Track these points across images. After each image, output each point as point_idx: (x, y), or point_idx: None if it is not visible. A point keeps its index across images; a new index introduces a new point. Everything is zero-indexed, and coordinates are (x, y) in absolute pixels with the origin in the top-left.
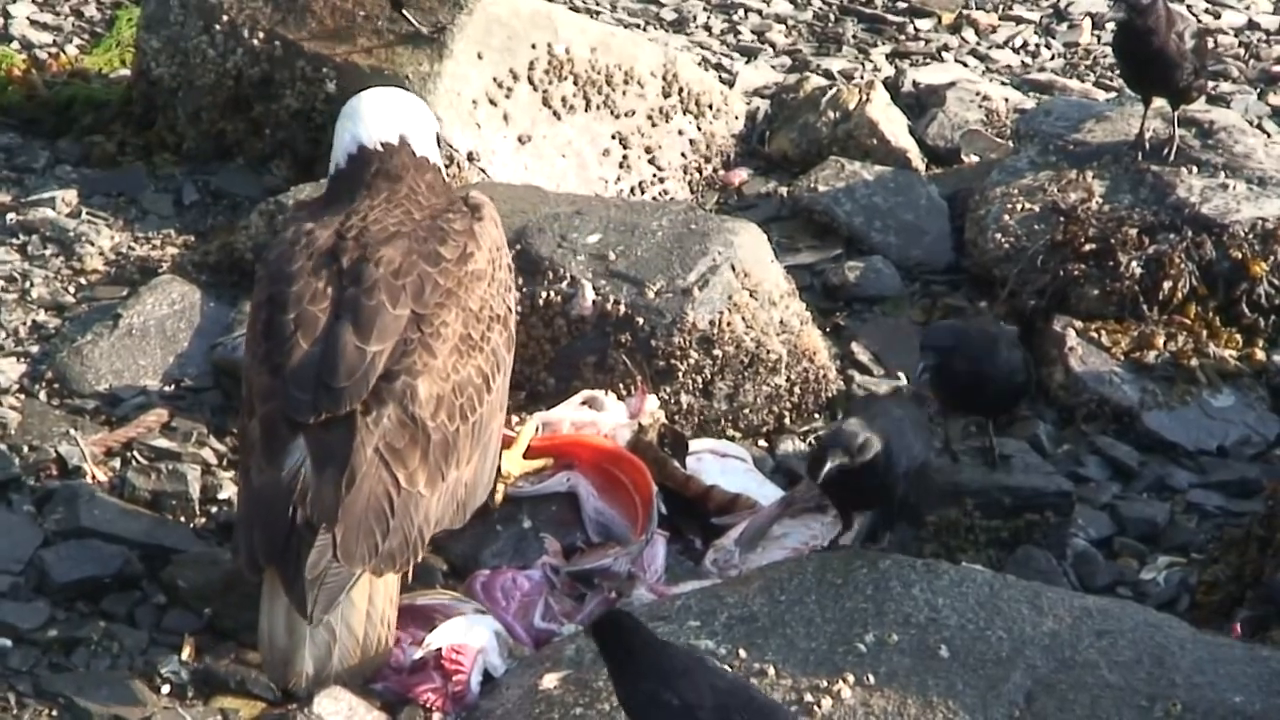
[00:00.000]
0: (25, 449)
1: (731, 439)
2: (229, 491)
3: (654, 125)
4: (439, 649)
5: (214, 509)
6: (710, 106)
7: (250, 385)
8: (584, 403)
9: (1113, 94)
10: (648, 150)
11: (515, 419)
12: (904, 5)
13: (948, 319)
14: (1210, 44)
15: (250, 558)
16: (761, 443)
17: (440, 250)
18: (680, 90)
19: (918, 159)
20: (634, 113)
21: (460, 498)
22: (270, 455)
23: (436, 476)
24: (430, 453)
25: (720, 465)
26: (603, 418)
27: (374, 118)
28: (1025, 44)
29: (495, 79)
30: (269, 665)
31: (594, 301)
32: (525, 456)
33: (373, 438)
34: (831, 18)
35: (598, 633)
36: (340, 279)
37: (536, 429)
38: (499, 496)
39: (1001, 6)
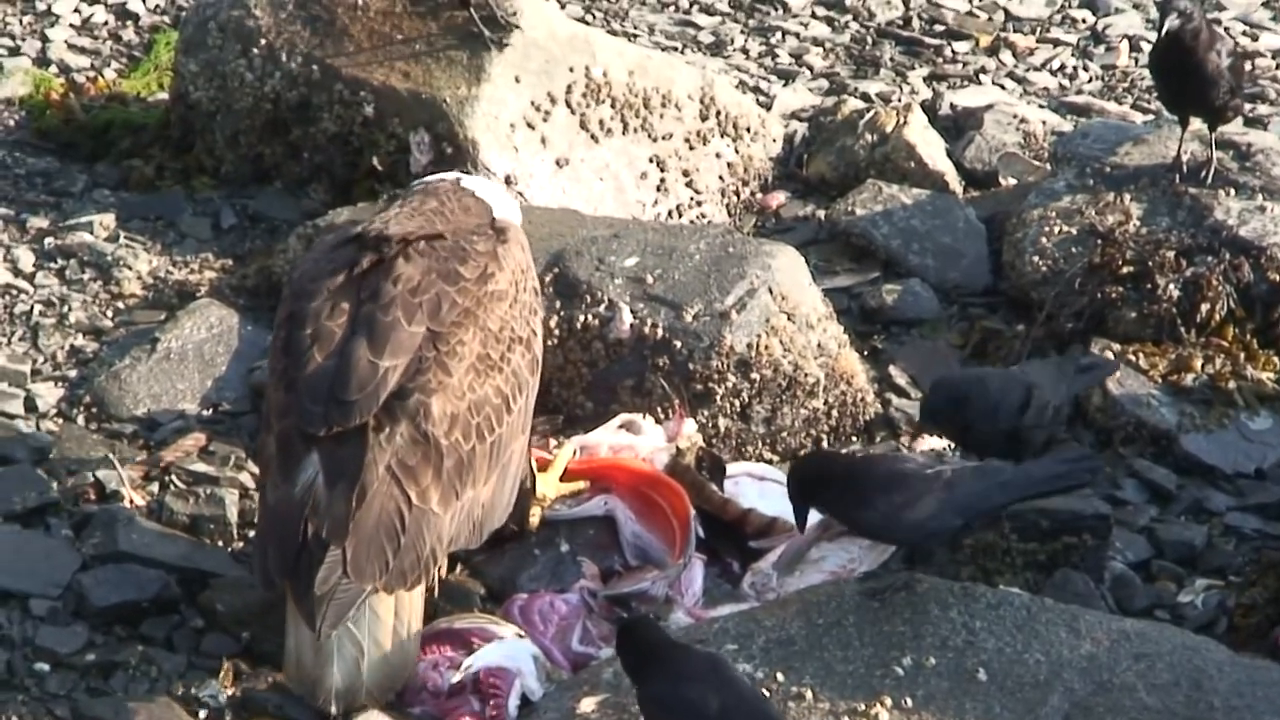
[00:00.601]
0: (63, 473)
1: (769, 462)
2: None
3: (691, 148)
4: (477, 672)
5: (252, 533)
6: (748, 129)
7: (269, 402)
8: (622, 426)
9: (1150, 116)
10: (685, 173)
11: (554, 442)
12: (941, 28)
13: (985, 342)
14: (1248, 66)
15: (264, 573)
16: None
17: (460, 269)
18: (718, 113)
19: (955, 182)
20: (671, 136)
21: (476, 518)
22: (285, 471)
23: (450, 495)
24: (444, 470)
25: (758, 488)
26: (640, 441)
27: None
28: (1063, 66)
29: (533, 102)
30: (296, 683)
31: (632, 325)
32: (562, 479)
33: (385, 455)
34: (869, 41)
35: (620, 639)
36: (359, 293)
37: (575, 452)
38: (535, 520)
39: (1039, 29)
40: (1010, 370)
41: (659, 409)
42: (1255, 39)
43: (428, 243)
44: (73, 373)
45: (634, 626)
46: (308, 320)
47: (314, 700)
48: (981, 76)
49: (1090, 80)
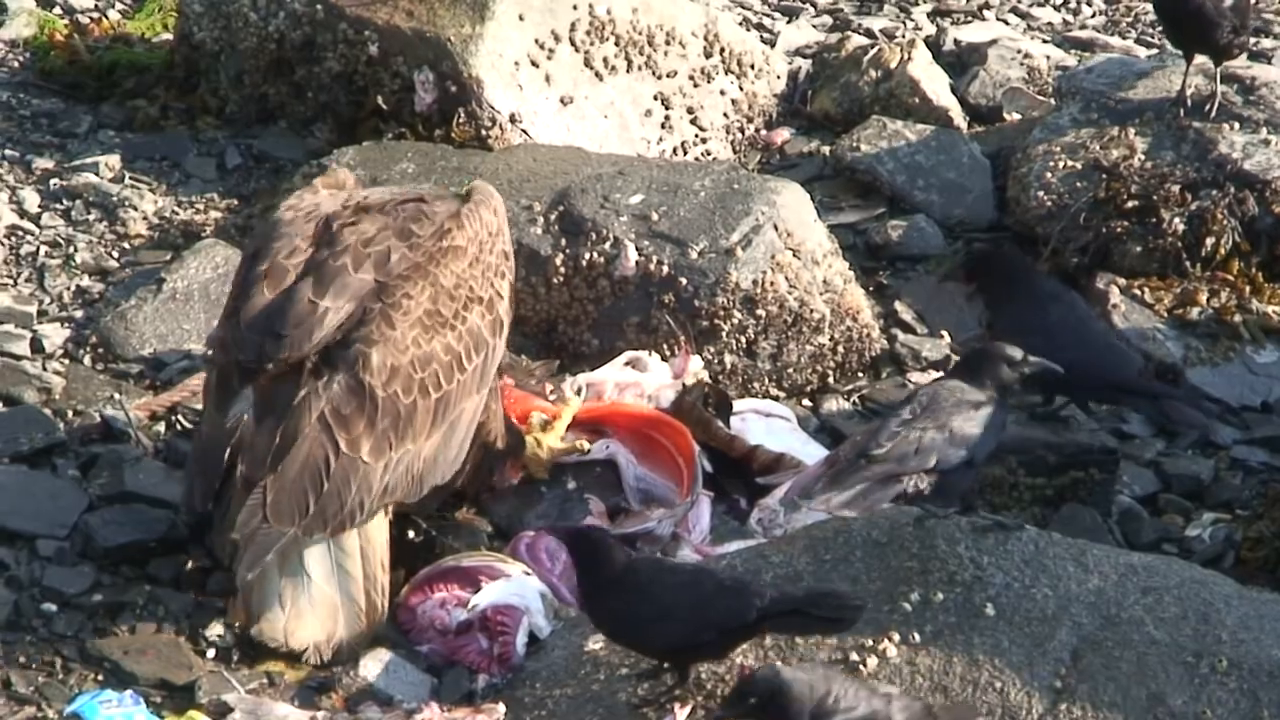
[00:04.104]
0: (70, 414)
1: (775, 398)
2: None
3: (696, 86)
4: (484, 610)
5: None
6: (752, 66)
7: (216, 336)
8: (627, 363)
9: (1154, 51)
10: (690, 111)
11: (550, 388)
12: None
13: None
14: (1254, 1)
15: (189, 500)
16: (805, 402)
17: (414, 228)
18: (722, 50)
19: (959, 117)
20: (676, 73)
21: (416, 471)
22: (219, 403)
23: (384, 446)
24: (378, 421)
25: (764, 425)
26: (646, 378)
27: None
28: (1066, 2)
29: (537, 40)
30: (270, 635)
31: (637, 262)
32: (567, 430)
33: (320, 401)
34: None
35: (571, 546)
36: (319, 242)
37: (583, 395)
38: (543, 473)
39: None
40: None
41: (665, 346)
42: None
43: (393, 205)
44: (79, 313)
45: (584, 535)
46: (265, 257)
47: (284, 649)
48: (985, 12)
49: (1094, 15)
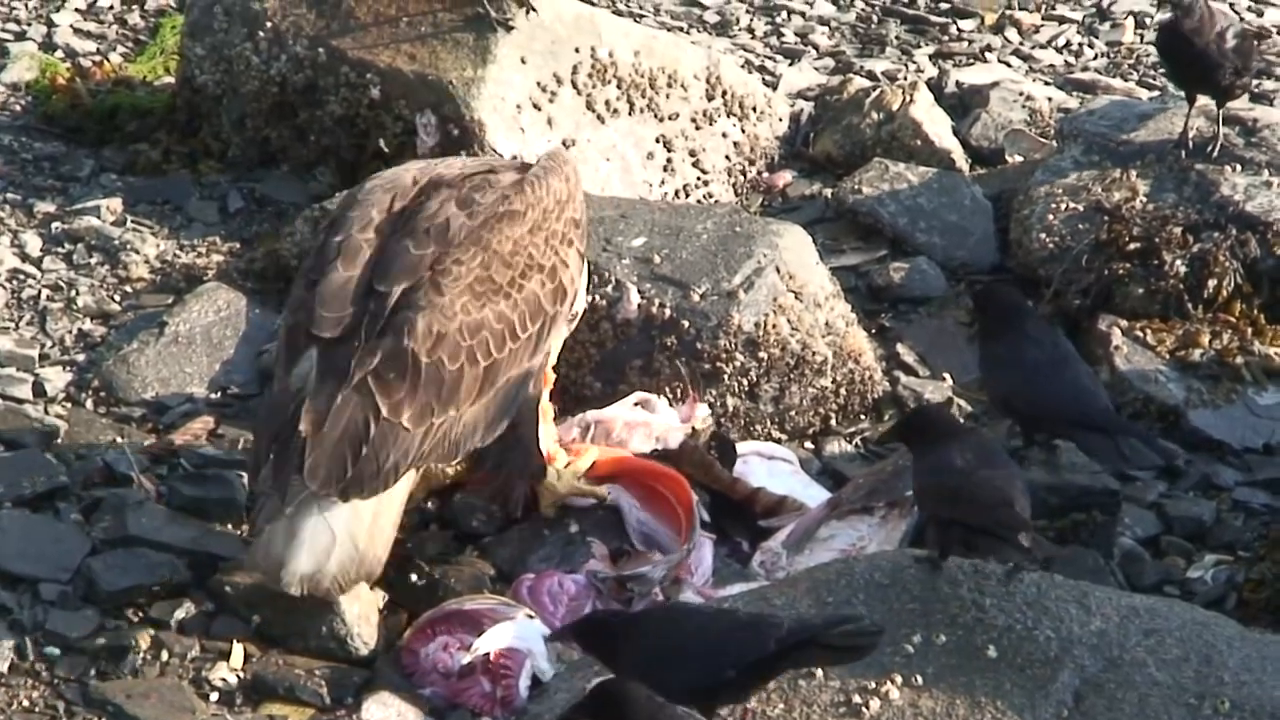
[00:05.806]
0: (72, 458)
1: (778, 441)
2: None
3: (698, 128)
4: (487, 653)
5: None
6: (754, 109)
7: (291, 296)
8: (637, 404)
9: (1156, 93)
10: (692, 153)
11: (561, 423)
12: (947, 6)
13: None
14: (1256, 44)
15: (253, 461)
16: (808, 444)
17: (475, 196)
18: (724, 93)
19: (961, 159)
20: (678, 116)
21: (455, 436)
22: (287, 364)
23: (426, 412)
24: (421, 388)
25: (767, 468)
26: (656, 419)
27: None
28: (1068, 44)
29: (539, 83)
30: (262, 568)
31: (639, 305)
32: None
33: (364, 366)
34: (874, 19)
35: (580, 639)
36: (394, 222)
37: (590, 433)
38: (551, 510)
39: (1044, 6)
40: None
41: (667, 389)
42: (1260, 14)
43: (463, 177)
44: (81, 357)
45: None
46: (343, 228)
47: (275, 583)
48: (987, 54)
49: (1096, 57)
